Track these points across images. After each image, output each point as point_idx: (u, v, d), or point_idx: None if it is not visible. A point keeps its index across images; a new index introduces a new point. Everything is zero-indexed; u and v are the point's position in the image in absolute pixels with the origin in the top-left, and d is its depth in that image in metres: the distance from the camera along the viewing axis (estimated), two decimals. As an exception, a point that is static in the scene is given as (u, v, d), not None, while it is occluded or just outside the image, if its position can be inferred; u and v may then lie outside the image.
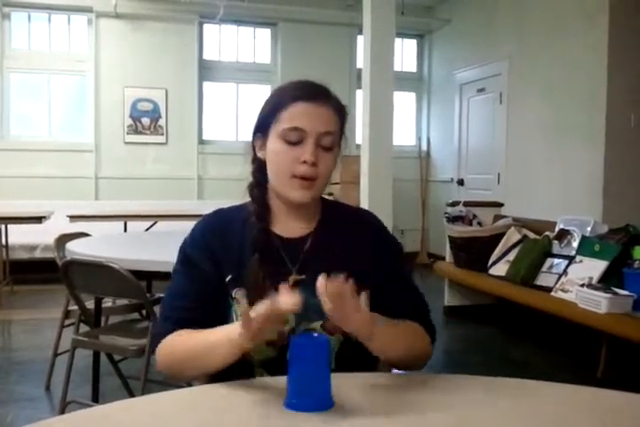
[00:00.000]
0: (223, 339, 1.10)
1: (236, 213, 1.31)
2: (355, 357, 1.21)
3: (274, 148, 1.24)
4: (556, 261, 4.01)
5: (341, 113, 1.27)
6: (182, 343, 1.19)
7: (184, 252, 1.29)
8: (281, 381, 1.12)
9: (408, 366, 1.24)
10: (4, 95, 6.72)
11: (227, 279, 1.23)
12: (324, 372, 1.00)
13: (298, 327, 1.22)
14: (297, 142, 1.21)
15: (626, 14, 4.74)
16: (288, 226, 1.29)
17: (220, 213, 1.34)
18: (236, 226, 1.28)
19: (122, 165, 6.99)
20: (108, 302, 3.11)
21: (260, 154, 1.29)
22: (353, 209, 1.41)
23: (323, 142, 1.22)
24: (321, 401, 0.99)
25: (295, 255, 1.26)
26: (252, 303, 1.10)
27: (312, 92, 1.24)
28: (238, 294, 1.22)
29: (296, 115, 1.22)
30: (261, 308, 1.01)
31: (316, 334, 1.05)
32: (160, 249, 3.07)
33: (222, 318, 1.22)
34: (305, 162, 1.20)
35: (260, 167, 1.30)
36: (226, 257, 1.25)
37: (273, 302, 1.00)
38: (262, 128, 1.27)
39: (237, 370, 1.16)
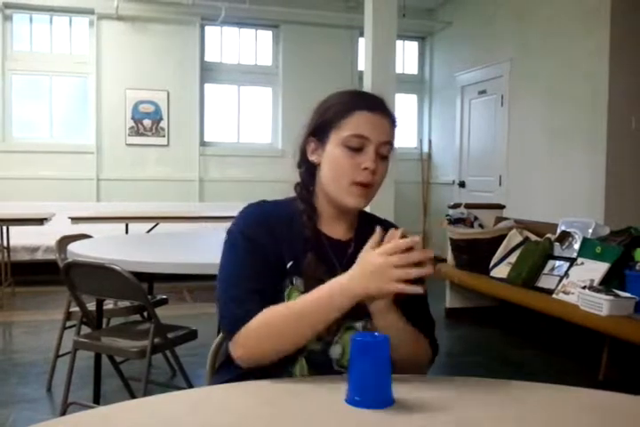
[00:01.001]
0: (334, 289, 1.13)
1: (282, 208, 1.33)
2: None
3: (334, 153, 1.27)
4: (558, 263, 4.01)
5: (394, 124, 1.32)
6: (274, 316, 1.17)
7: (243, 232, 1.26)
8: (280, 383, 1.12)
9: (402, 370, 1.24)
10: (6, 97, 6.73)
11: (288, 265, 1.25)
12: (385, 370, 1.02)
13: (342, 325, 1.25)
14: (358, 149, 1.25)
15: (627, 16, 4.75)
16: (333, 228, 1.33)
17: (268, 204, 1.34)
18: (285, 219, 1.30)
19: (123, 167, 6.99)
20: (109, 304, 3.11)
21: (312, 157, 1.32)
22: (387, 221, 1.46)
23: (381, 151, 1.27)
24: (382, 399, 1.01)
25: (341, 256, 1.30)
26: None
27: (374, 103, 1.29)
28: (298, 282, 1.24)
29: (360, 123, 1.25)
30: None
31: (376, 333, 1.06)
32: (161, 251, 3.07)
33: (276, 299, 1.22)
34: (366, 169, 1.24)
35: (309, 170, 1.33)
36: (285, 243, 1.26)
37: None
38: (319, 133, 1.30)
39: (280, 361, 1.19)
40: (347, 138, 1.25)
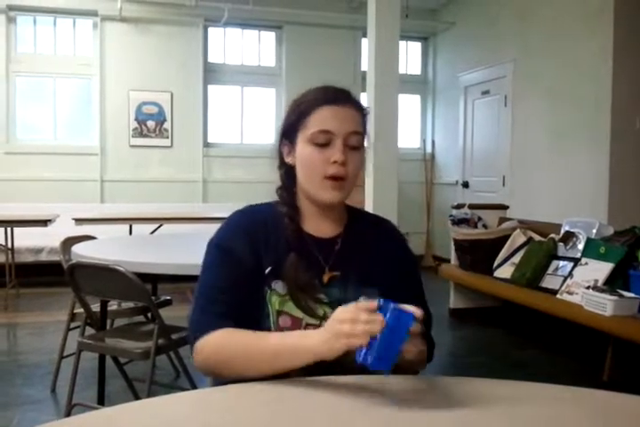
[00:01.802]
0: (300, 347, 1.10)
1: (267, 211, 1.35)
2: None
3: (304, 152, 1.29)
4: (562, 263, 4.00)
5: (363, 113, 1.33)
6: (237, 342, 1.18)
7: (221, 245, 1.29)
8: (284, 384, 1.12)
9: (403, 370, 1.24)
10: (10, 99, 6.75)
11: (267, 271, 1.26)
12: (401, 342, 1.03)
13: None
14: (326, 144, 1.26)
15: (630, 16, 4.74)
16: (318, 226, 1.34)
17: (252, 209, 1.36)
18: (269, 223, 1.31)
19: (127, 168, 7.01)
20: (113, 305, 3.12)
21: (288, 159, 1.34)
22: (377, 216, 1.47)
23: (350, 142, 1.27)
24: (389, 363, 1.03)
25: (328, 254, 1.31)
26: (292, 296, 1.24)
27: (335, 96, 1.29)
28: (277, 286, 1.25)
29: (322, 118, 1.26)
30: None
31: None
32: (165, 252, 3.08)
33: (257, 307, 1.24)
34: (335, 162, 1.25)
35: (287, 172, 1.35)
36: (264, 249, 1.28)
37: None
38: (289, 135, 1.32)
39: None
40: (312, 135, 1.26)
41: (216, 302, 1.23)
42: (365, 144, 1.33)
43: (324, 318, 1.24)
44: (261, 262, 1.26)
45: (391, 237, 1.40)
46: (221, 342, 1.18)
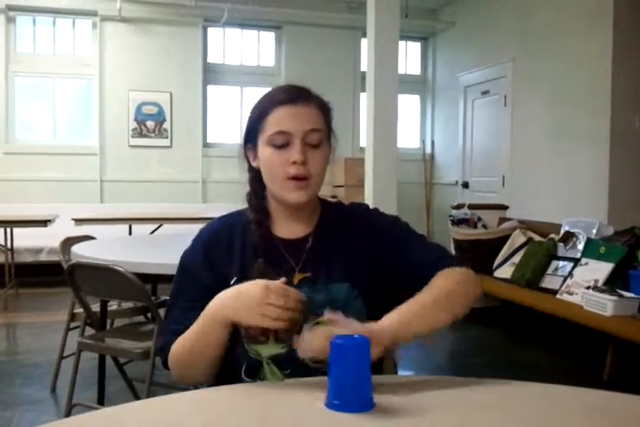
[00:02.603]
0: (210, 322, 1.16)
1: (237, 219, 1.35)
2: None
3: (264, 154, 1.27)
4: (562, 263, 4.01)
5: (325, 110, 1.31)
6: (179, 345, 1.22)
7: (182, 262, 1.33)
8: (287, 385, 1.12)
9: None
10: (10, 99, 6.75)
11: (231, 282, 1.24)
12: (365, 373, 1.00)
13: (306, 322, 1.21)
14: (284, 145, 1.24)
15: (630, 16, 4.74)
16: (289, 228, 1.33)
17: (221, 220, 1.38)
18: (238, 231, 1.32)
19: (126, 169, 7.00)
20: (113, 305, 3.12)
21: (254, 163, 1.33)
22: (347, 206, 1.44)
23: (309, 140, 1.25)
24: (363, 402, 1.00)
25: (298, 255, 1.30)
26: None
27: (291, 95, 1.27)
28: None
29: (279, 119, 1.25)
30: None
31: (356, 336, 1.05)
32: (165, 252, 3.07)
33: None
34: (295, 162, 1.23)
35: (255, 176, 1.34)
36: (228, 262, 1.28)
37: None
38: (251, 138, 1.31)
39: (249, 369, 1.21)
40: (270, 137, 1.25)
41: (175, 322, 1.26)
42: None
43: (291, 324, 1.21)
44: (224, 276, 1.26)
45: (362, 220, 1.36)
46: (173, 353, 1.22)
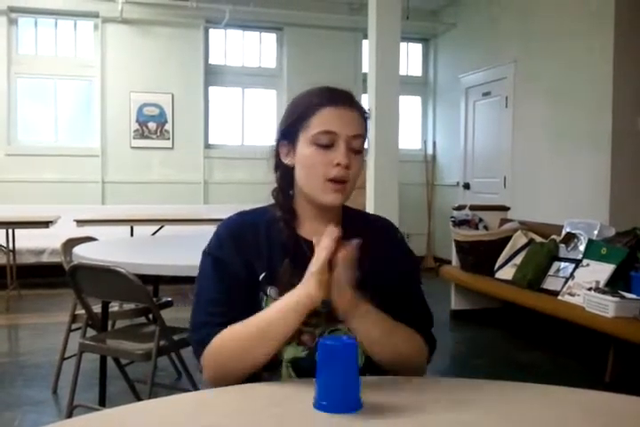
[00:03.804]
0: (289, 304, 1.15)
1: (260, 216, 1.33)
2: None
3: (305, 153, 1.25)
4: (563, 264, 4.00)
5: (364, 117, 1.31)
6: (232, 336, 1.18)
7: (212, 255, 1.29)
8: (287, 385, 1.12)
9: (398, 371, 1.24)
10: (11, 100, 6.76)
11: (260, 277, 1.25)
12: (353, 373, 1.01)
13: (327, 325, 1.24)
14: (328, 146, 1.23)
15: (631, 17, 4.74)
16: (314, 229, 1.30)
17: (243, 216, 1.34)
18: (262, 228, 1.30)
19: (128, 170, 7.01)
20: (114, 307, 3.12)
21: (286, 160, 1.31)
22: (373, 216, 1.46)
23: (353, 145, 1.25)
24: (350, 403, 1.00)
25: None
26: None
27: (339, 97, 1.27)
28: (272, 292, 1.24)
29: (326, 119, 1.24)
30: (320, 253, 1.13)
31: (345, 336, 1.05)
32: (166, 253, 3.08)
33: (252, 313, 1.23)
34: (338, 164, 1.23)
35: (284, 173, 1.33)
36: (256, 256, 1.26)
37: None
38: (289, 135, 1.29)
39: (266, 368, 1.20)
40: (315, 136, 1.23)
41: (210, 314, 1.23)
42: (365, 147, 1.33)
43: (317, 324, 1.23)
44: (254, 269, 1.25)
45: (389, 237, 1.37)
46: (220, 345, 1.18)
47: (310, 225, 1.32)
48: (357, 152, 1.26)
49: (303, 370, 1.20)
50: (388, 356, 1.21)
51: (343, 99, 1.27)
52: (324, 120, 1.24)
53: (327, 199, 1.25)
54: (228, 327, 1.19)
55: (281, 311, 1.15)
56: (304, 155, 1.26)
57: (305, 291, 1.13)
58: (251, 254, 1.26)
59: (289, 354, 1.22)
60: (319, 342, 1.02)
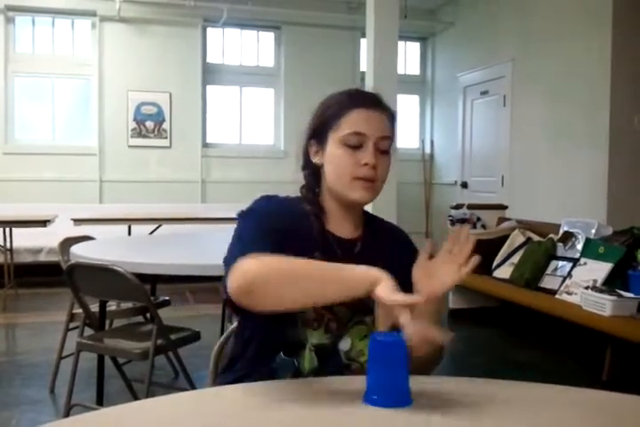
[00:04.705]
0: (362, 279, 1.07)
1: (293, 204, 1.34)
2: None
3: (335, 153, 1.29)
4: (561, 263, 4.01)
5: (393, 119, 1.34)
6: (287, 260, 1.09)
7: (255, 210, 1.27)
8: (287, 385, 1.12)
9: (418, 369, 1.24)
10: (9, 99, 6.75)
11: None
12: (402, 369, 1.03)
13: (351, 321, 1.28)
14: (357, 146, 1.27)
15: (629, 17, 4.74)
16: (340, 226, 1.35)
17: (280, 199, 1.34)
18: (295, 216, 1.31)
19: (126, 169, 7.00)
20: (112, 306, 3.12)
21: (315, 159, 1.34)
22: (391, 224, 1.49)
23: (381, 146, 1.29)
24: (400, 397, 1.02)
25: (349, 254, 1.32)
26: None
27: (369, 100, 1.31)
28: None
29: (356, 121, 1.28)
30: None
31: (395, 333, 1.06)
32: (164, 252, 3.07)
33: None
34: (366, 164, 1.26)
35: (313, 172, 1.36)
36: (289, 240, 1.22)
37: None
38: (318, 135, 1.32)
39: (289, 348, 1.23)
40: (345, 136, 1.27)
41: (255, 244, 1.15)
42: (393, 150, 1.35)
43: (344, 314, 1.27)
44: (284, 243, 1.19)
45: (407, 249, 1.40)
46: (264, 261, 1.08)
47: (336, 222, 1.35)
48: (385, 152, 1.30)
49: (325, 356, 1.25)
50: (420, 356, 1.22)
51: (372, 101, 1.31)
52: (353, 122, 1.28)
53: (355, 196, 1.29)
54: (284, 257, 1.09)
55: (341, 278, 1.09)
56: (334, 155, 1.30)
57: (379, 285, 1.06)
58: (284, 233, 1.24)
59: (315, 339, 1.25)
60: (371, 338, 1.03)
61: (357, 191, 1.28)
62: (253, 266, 1.06)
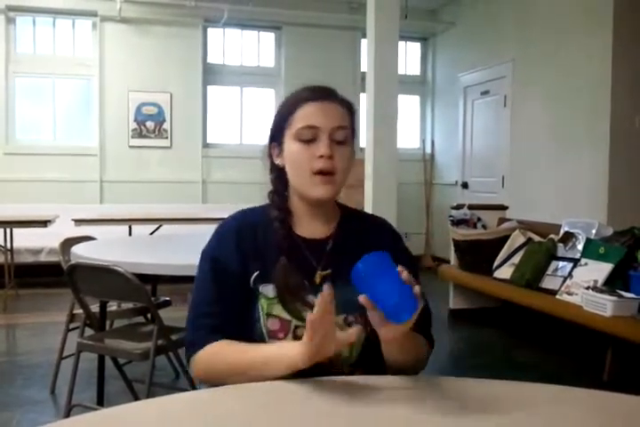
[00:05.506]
0: (280, 356, 1.14)
1: (259, 215, 1.34)
2: (376, 348, 1.24)
3: (290, 149, 1.29)
4: (561, 263, 4.01)
5: (350, 110, 1.33)
6: (225, 358, 1.21)
7: (210, 255, 1.30)
8: (287, 385, 1.12)
9: (402, 371, 1.24)
10: (10, 99, 6.75)
11: (253, 276, 1.26)
12: (396, 277, 1.04)
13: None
14: (311, 140, 1.26)
15: (629, 17, 4.74)
16: (310, 227, 1.33)
17: (243, 214, 1.36)
18: (260, 227, 1.31)
19: (126, 169, 7.01)
20: (112, 306, 3.12)
21: (277, 161, 1.34)
22: (370, 215, 1.47)
23: (336, 137, 1.27)
24: (411, 304, 1.03)
25: (319, 255, 1.30)
26: (281, 299, 1.24)
27: (318, 93, 1.30)
28: (265, 290, 1.25)
29: (307, 114, 1.27)
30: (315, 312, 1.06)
31: (368, 254, 1.07)
32: (165, 253, 3.08)
33: (247, 312, 1.26)
34: (322, 156, 1.25)
35: (278, 175, 1.35)
36: (253, 255, 1.28)
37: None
38: (276, 136, 1.33)
39: None
40: (298, 131, 1.27)
41: (205, 315, 1.25)
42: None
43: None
44: (248, 268, 1.27)
45: (386, 233, 1.39)
46: (211, 359, 1.21)
47: (307, 224, 1.34)
48: (341, 143, 1.28)
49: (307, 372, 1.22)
50: (401, 361, 1.23)
51: (322, 93, 1.30)
52: (305, 115, 1.27)
53: (317, 193, 1.27)
54: (224, 344, 1.21)
55: (273, 358, 1.15)
56: (290, 152, 1.29)
57: (300, 358, 1.10)
58: (247, 253, 1.28)
59: None
60: (356, 266, 1.05)
61: (318, 187, 1.26)
62: (203, 365, 1.22)
